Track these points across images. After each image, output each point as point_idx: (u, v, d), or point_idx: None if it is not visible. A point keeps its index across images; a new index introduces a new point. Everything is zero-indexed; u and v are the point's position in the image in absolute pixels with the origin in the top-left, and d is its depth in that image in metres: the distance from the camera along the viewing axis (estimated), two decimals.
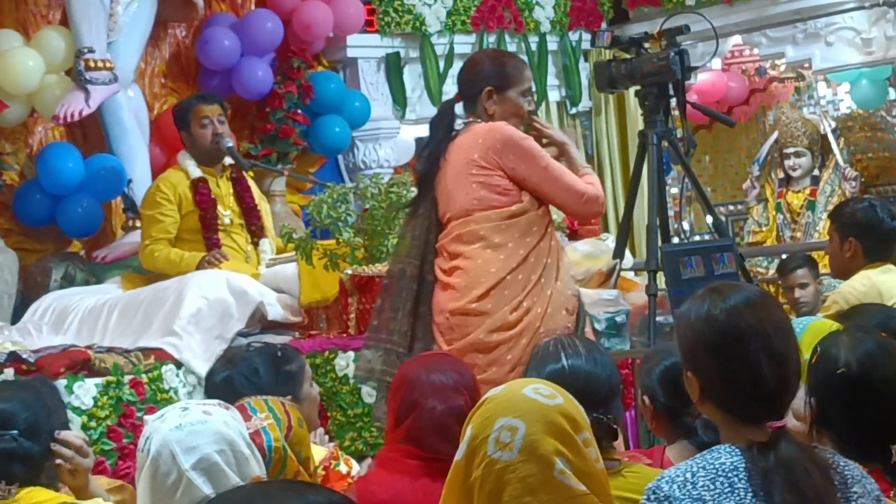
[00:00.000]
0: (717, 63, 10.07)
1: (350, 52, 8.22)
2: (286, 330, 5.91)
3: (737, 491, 2.25)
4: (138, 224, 6.83)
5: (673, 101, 5.72)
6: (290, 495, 1.80)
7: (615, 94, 9.00)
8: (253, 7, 7.93)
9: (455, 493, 2.31)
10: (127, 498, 3.54)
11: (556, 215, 5.42)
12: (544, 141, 4.77)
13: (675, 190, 9.71)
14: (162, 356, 5.48)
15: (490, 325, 4.45)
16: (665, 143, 5.76)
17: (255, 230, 6.52)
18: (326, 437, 5.18)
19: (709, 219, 6.38)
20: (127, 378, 5.26)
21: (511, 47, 8.78)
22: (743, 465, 2.28)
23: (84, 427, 5.02)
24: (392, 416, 3.43)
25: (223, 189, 6.44)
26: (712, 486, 2.26)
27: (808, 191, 9.43)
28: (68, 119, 6.62)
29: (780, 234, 9.49)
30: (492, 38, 8.76)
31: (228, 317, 5.71)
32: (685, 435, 3.41)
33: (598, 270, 5.86)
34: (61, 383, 4.95)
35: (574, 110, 9.37)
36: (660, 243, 5.65)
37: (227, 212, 6.40)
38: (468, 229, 4.53)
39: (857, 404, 2.68)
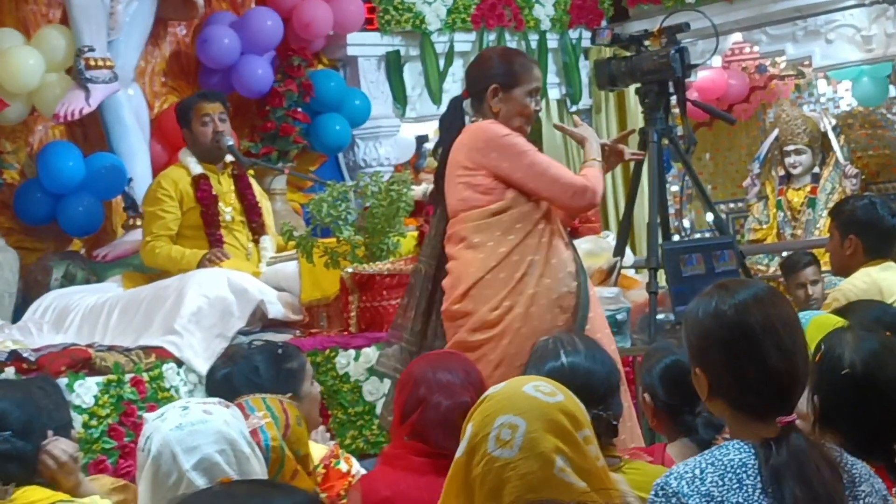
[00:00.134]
0: (717, 61, 10.07)
1: (350, 51, 8.22)
2: (287, 328, 5.92)
3: (745, 487, 2.25)
4: (139, 223, 6.83)
5: (673, 99, 5.73)
6: (255, 500, 1.79)
7: (615, 92, 9.01)
8: (253, 5, 7.92)
9: (456, 490, 2.31)
10: (130, 497, 3.53)
11: None
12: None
13: (675, 188, 9.71)
14: (163, 355, 5.49)
15: (472, 325, 4.47)
16: (665, 141, 5.77)
17: (256, 227, 6.52)
18: (328, 434, 5.19)
19: (709, 216, 6.39)
20: (128, 377, 5.26)
21: (511, 45, 8.77)
22: (752, 461, 2.28)
23: (85, 425, 5.03)
24: (398, 413, 3.45)
25: (224, 186, 6.44)
26: (721, 483, 2.26)
27: (808, 188, 9.42)
28: (69, 118, 6.62)
29: (781, 231, 9.48)
30: (492, 37, 8.76)
31: (229, 315, 5.72)
32: (686, 433, 3.41)
33: (599, 268, 5.86)
34: (62, 382, 4.95)
35: (574, 108, 9.36)
36: (660, 241, 5.66)
37: (229, 209, 6.40)
38: (454, 230, 4.57)
39: (861, 404, 2.67)
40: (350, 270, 5.60)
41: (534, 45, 9.00)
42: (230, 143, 6.40)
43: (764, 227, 9.55)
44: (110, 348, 5.47)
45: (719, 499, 2.24)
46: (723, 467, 2.28)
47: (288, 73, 7.70)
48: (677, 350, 3.47)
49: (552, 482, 2.22)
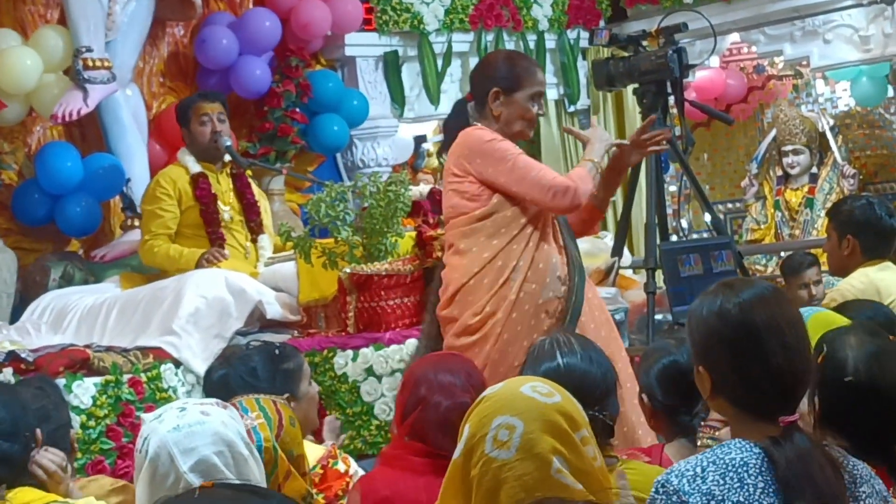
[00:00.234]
0: (715, 61, 10.07)
1: (348, 51, 8.21)
2: (285, 329, 5.92)
3: (746, 486, 2.25)
4: (137, 223, 6.83)
5: (671, 99, 5.73)
6: None
7: (613, 92, 9.01)
8: (251, 6, 7.92)
9: (453, 491, 2.31)
10: (130, 498, 3.53)
11: None
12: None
13: (673, 188, 9.71)
14: (161, 355, 5.49)
15: (456, 330, 4.50)
16: (663, 142, 5.76)
17: (255, 226, 6.52)
18: (339, 423, 5.20)
19: (707, 217, 6.38)
20: (126, 377, 5.27)
21: (509, 45, 8.77)
22: (753, 460, 2.28)
23: (83, 426, 5.03)
24: (398, 412, 3.45)
25: (223, 185, 6.45)
26: (722, 481, 2.26)
27: (806, 188, 9.43)
28: (66, 118, 6.62)
29: (779, 231, 9.49)
30: (490, 37, 8.76)
31: (227, 316, 5.72)
32: (683, 433, 3.41)
33: (597, 268, 5.86)
34: (60, 382, 4.94)
35: (572, 108, 9.36)
36: (658, 241, 5.66)
37: (227, 208, 6.41)
38: (446, 237, 4.63)
39: (864, 407, 2.67)
40: (348, 271, 5.60)
41: (532, 45, 9.00)
42: (228, 143, 6.40)
43: (762, 227, 9.56)
44: (108, 349, 5.48)
45: (720, 497, 2.25)
46: (724, 466, 2.28)
47: (286, 74, 7.69)
48: (675, 350, 3.47)
49: (549, 483, 2.22)
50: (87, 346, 5.41)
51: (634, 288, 6.18)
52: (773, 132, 9.77)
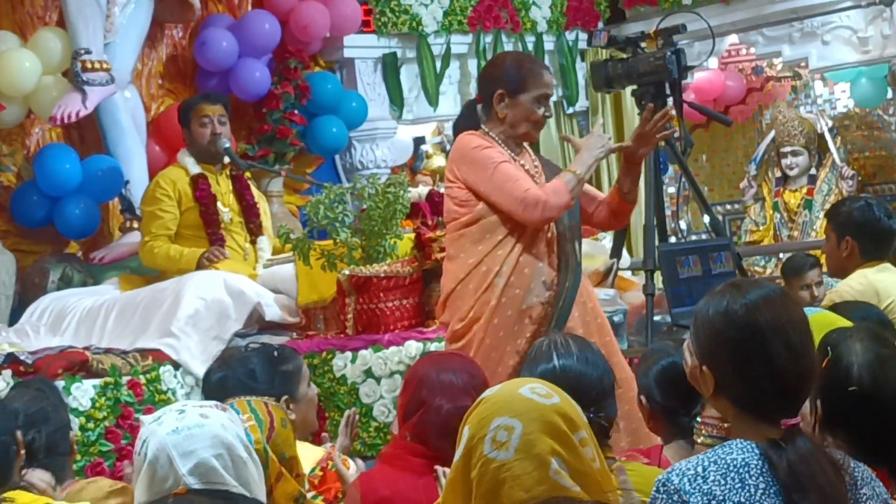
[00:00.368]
0: (713, 62, 10.07)
1: (347, 53, 8.22)
2: (284, 330, 5.92)
3: (747, 487, 2.25)
4: (136, 225, 6.84)
5: (670, 101, 5.72)
6: None
7: (612, 94, 9.01)
8: (250, 8, 7.92)
9: (454, 493, 2.32)
10: (128, 500, 3.53)
11: None
12: None
13: (672, 189, 9.71)
14: (160, 357, 5.50)
15: (447, 336, 4.55)
16: (662, 143, 5.76)
17: (254, 228, 6.53)
18: (326, 435, 5.19)
19: (706, 218, 6.37)
20: (125, 379, 5.27)
21: (508, 47, 8.78)
22: (755, 461, 2.28)
23: (82, 428, 5.03)
24: (400, 413, 3.46)
25: (223, 186, 6.46)
26: (723, 482, 2.26)
27: (805, 190, 9.43)
28: (65, 120, 6.62)
29: (778, 233, 9.49)
30: (488, 38, 8.76)
31: (226, 317, 5.72)
32: (682, 434, 3.41)
33: (596, 270, 5.86)
34: (59, 384, 4.94)
35: (571, 110, 9.37)
36: (657, 243, 5.65)
37: (226, 209, 6.42)
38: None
39: (866, 412, 2.66)
40: (347, 272, 5.60)
41: (530, 46, 9.00)
42: (226, 145, 6.41)
43: (761, 228, 9.56)
44: (107, 351, 5.48)
45: (721, 498, 2.25)
46: (725, 466, 2.28)
47: (285, 76, 7.70)
48: (674, 352, 3.46)
49: (547, 483, 2.23)
50: (86, 348, 5.42)
51: (633, 289, 6.18)
52: (772, 133, 9.76)
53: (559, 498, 2.22)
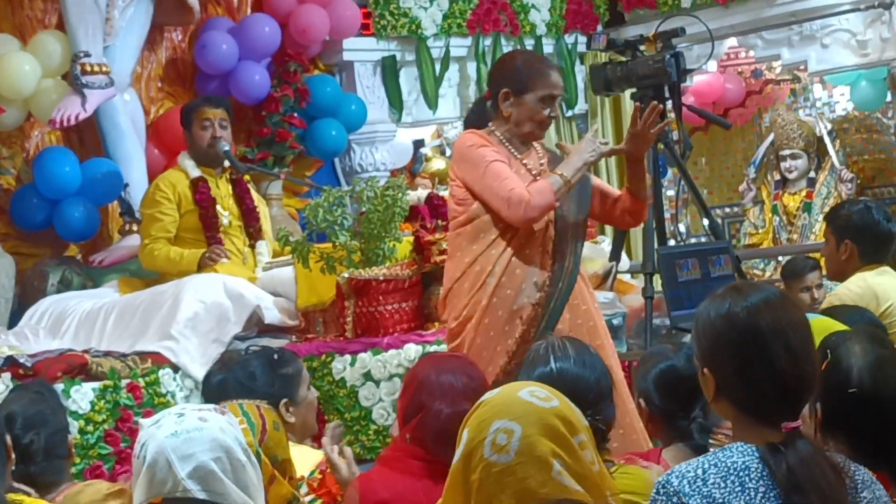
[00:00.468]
0: (712, 65, 10.07)
1: (346, 56, 8.22)
2: (283, 333, 5.92)
3: (747, 490, 2.25)
4: (135, 228, 6.83)
5: (669, 104, 5.73)
6: None
7: (611, 97, 9.01)
8: (249, 11, 7.93)
9: (453, 496, 2.31)
10: (126, 502, 3.53)
11: None
12: None
13: (671, 192, 9.71)
14: (159, 360, 5.49)
15: (446, 335, 4.59)
16: (661, 146, 5.77)
17: (253, 232, 6.52)
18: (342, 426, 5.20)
19: (705, 221, 6.38)
20: (124, 382, 5.27)
21: (507, 50, 8.77)
22: (755, 464, 2.28)
23: (81, 431, 5.03)
24: (399, 415, 3.45)
25: (222, 190, 6.46)
26: (723, 484, 2.26)
27: (804, 193, 9.43)
28: (65, 123, 6.62)
29: (777, 236, 9.49)
30: (487, 41, 8.76)
31: (225, 320, 5.72)
32: (681, 438, 3.41)
33: (595, 273, 5.86)
34: (58, 387, 4.94)
35: (570, 113, 9.37)
36: (656, 246, 5.65)
37: (226, 213, 6.41)
38: None
39: (866, 415, 2.66)
40: (346, 276, 5.60)
41: (529, 49, 9.00)
42: (226, 148, 6.40)
43: (760, 231, 9.56)
44: (106, 354, 5.48)
45: (721, 500, 2.25)
46: (725, 469, 2.28)
47: (284, 79, 7.70)
48: (673, 355, 3.47)
49: (551, 485, 2.23)
50: (86, 351, 5.41)
51: (632, 292, 6.18)
52: (771, 136, 9.77)
53: (564, 500, 2.22)
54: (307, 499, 3.74)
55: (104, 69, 6.72)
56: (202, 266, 6.14)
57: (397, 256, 5.77)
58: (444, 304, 4.59)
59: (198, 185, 6.34)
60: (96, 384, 5.17)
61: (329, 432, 4.70)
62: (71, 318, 6.07)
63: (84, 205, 6.85)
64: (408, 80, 8.44)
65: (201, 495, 2.55)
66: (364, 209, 5.75)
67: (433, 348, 5.36)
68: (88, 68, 6.64)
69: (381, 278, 5.57)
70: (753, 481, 2.27)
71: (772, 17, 9.04)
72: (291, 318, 5.96)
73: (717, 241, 6.05)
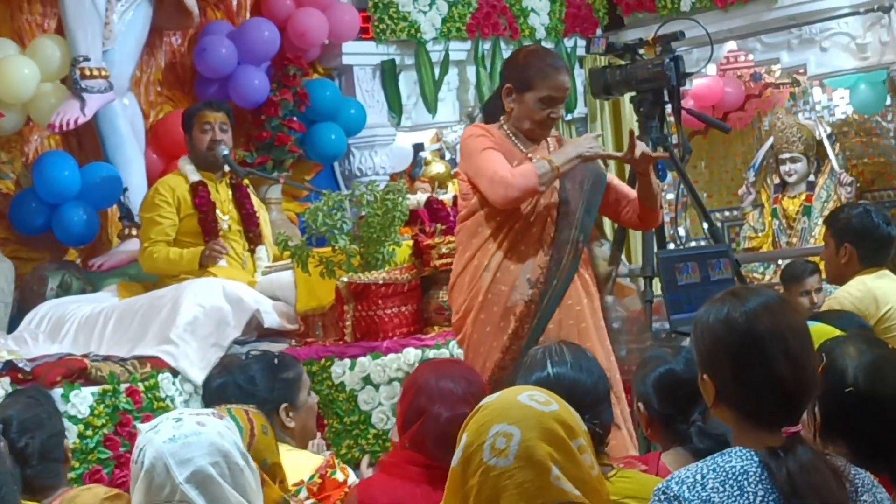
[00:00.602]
0: (712, 69, 10.08)
1: (345, 60, 8.22)
2: (282, 338, 5.92)
3: (746, 495, 2.26)
4: (134, 232, 6.84)
5: (668, 108, 5.72)
6: None
7: (610, 101, 9.01)
8: (249, 15, 7.93)
9: (452, 500, 2.31)
10: None
11: None
12: None
13: (670, 196, 9.70)
14: (158, 364, 5.49)
15: (452, 327, 4.66)
16: (660, 150, 5.76)
17: (253, 237, 6.53)
18: (323, 442, 5.19)
19: (704, 225, 6.37)
20: (123, 386, 5.26)
21: (506, 54, 8.76)
22: (754, 469, 2.28)
23: (80, 436, 5.02)
24: (399, 420, 3.45)
25: (222, 194, 6.46)
26: (722, 489, 2.26)
27: (803, 196, 9.44)
28: (64, 127, 6.62)
29: (776, 239, 9.49)
30: (487, 45, 8.77)
31: (224, 325, 5.72)
32: (680, 441, 3.41)
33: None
34: (57, 392, 4.95)
35: (569, 117, 9.37)
36: (655, 249, 5.65)
37: (226, 217, 6.42)
38: None
39: (864, 416, 2.67)
40: (345, 280, 5.60)
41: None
42: (225, 152, 6.41)
43: (759, 235, 9.57)
44: (106, 358, 5.47)
45: None
46: (724, 474, 2.28)
47: (283, 83, 7.70)
48: (671, 359, 3.47)
49: (549, 490, 2.23)
50: (85, 356, 5.41)
51: (631, 296, 6.17)
52: (771, 140, 9.77)
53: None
54: (308, 503, 3.74)
55: (103, 73, 6.72)
56: (203, 264, 6.15)
57: (397, 260, 5.78)
58: (450, 297, 4.64)
59: (197, 190, 6.34)
60: (95, 388, 5.17)
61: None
62: (70, 323, 6.07)
63: (83, 209, 6.85)
64: (407, 83, 8.45)
65: (199, 500, 2.55)
66: (363, 213, 5.75)
67: (433, 352, 5.36)
68: (88, 72, 6.64)
69: (381, 282, 5.57)
70: (752, 486, 2.27)
71: (771, 21, 9.05)
72: (291, 323, 5.96)
73: (716, 244, 6.04)
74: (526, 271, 4.49)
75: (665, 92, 5.64)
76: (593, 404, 3.10)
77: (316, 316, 5.88)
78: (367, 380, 5.46)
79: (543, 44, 9.08)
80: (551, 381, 3.08)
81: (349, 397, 5.48)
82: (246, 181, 6.66)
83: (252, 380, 4.16)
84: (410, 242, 5.82)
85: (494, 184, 4.39)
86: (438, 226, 6.05)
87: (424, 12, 8.39)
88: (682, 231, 10.20)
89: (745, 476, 2.28)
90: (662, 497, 2.29)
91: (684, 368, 3.35)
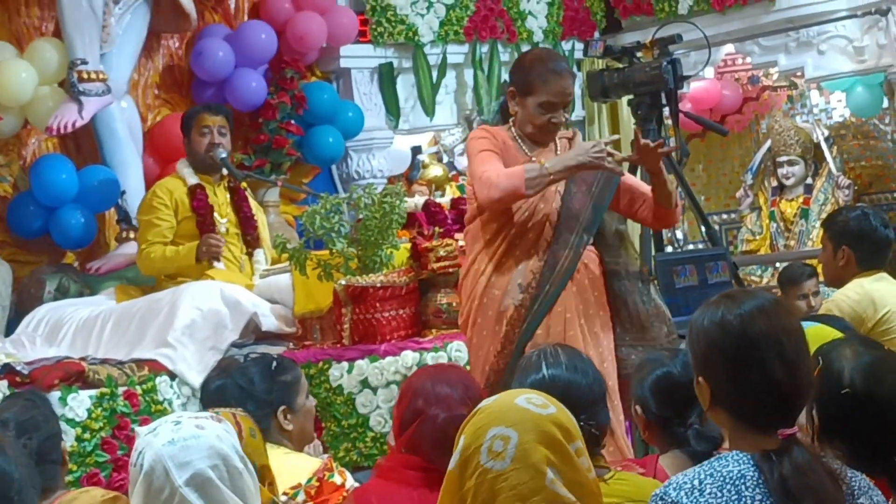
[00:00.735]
0: (709, 72, 10.08)
1: (343, 63, 8.22)
2: (280, 341, 5.91)
3: (744, 499, 2.26)
4: (132, 235, 6.83)
5: (666, 111, 5.73)
6: None
7: (608, 104, 9.01)
8: (246, 18, 7.93)
9: (449, 502, 2.31)
10: None
11: None
12: None
13: None
14: (156, 367, 5.48)
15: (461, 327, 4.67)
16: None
17: (251, 240, 6.53)
18: (321, 445, 5.19)
19: (702, 228, 6.38)
20: (121, 390, 5.26)
21: (504, 57, 8.79)
22: (751, 472, 2.28)
23: (78, 439, 5.02)
24: (396, 424, 3.45)
25: (220, 197, 6.47)
26: (720, 494, 2.26)
27: (801, 199, 9.44)
28: (62, 130, 6.62)
29: (774, 242, 9.49)
30: (484, 48, 8.77)
31: (222, 328, 5.72)
32: (677, 444, 3.41)
33: None
34: (55, 395, 4.95)
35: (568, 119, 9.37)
36: (653, 252, 5.65)
37: (224, 220, 6.42)
38: None
39: (861, 418, 2.67)
40: (343, 283, 5.60)
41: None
42: (223, 155, 6.41)
43: (757, 238, 9.56)
44: (103, 361, 5.47)
45: None
46: (721, 479, 2.28)
47: (281, 86, 7.70)
48: (669, 362, 3.47)
49: (543, 493, 2.23)
50: (83, 359, 5.41)
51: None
52: (768, 143, 9.77)
53: None
54: None
55: (101, 76, 6.72)
56: (199, 258, 6.15)
57: (394, 263, 5.77)
58: (459, 299, 4.70)
59: (195, 193, 6.35)
60: (93, 392, 5.16)
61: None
62: (68, 326, 6.07)
63: (81, 212, 6.84)
64: (405, 87, 8.45)
65: (199, 503, 2.55)
66: (361, 216, 5.75)
67: (430, 355, 5.36)
68: (85, 75, 6.64)
69: (379, 285, 5.57)
70: (750, 490, 2.27)
71: (768, 24, 9.05)
72: (288, 326, 5.96)
73: (714, 247, 6.05)
74: (518, 276, 4.48)
75: (663, 95, 5.65)
76: (589, 405, 3.10)
77: (314, 319, 5.88)
78: (364, 383, 5.46)
79: (541, 47, 9.08)
80: (546, 382, 3.09)
81: (347, 400, 5.48)
82: (244, 184, 6.66)
83: (251, 382, 4.17)
84: (408, 245, 5.82)
85: (481, 184, 4.39)
86: (436, 229, 6.05)
87: (422, 15, 8.40)
88: (679, 234, 10.20)
89: (742, 480, 2.28)
90: (660, 502, 2.29)
91: (681, 371, 3.35)
